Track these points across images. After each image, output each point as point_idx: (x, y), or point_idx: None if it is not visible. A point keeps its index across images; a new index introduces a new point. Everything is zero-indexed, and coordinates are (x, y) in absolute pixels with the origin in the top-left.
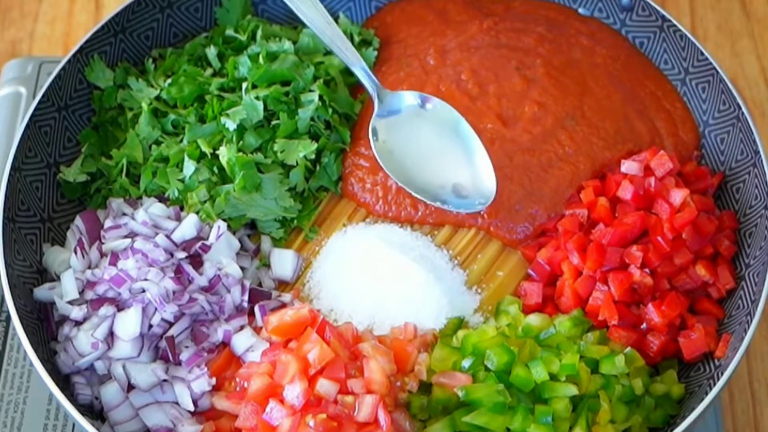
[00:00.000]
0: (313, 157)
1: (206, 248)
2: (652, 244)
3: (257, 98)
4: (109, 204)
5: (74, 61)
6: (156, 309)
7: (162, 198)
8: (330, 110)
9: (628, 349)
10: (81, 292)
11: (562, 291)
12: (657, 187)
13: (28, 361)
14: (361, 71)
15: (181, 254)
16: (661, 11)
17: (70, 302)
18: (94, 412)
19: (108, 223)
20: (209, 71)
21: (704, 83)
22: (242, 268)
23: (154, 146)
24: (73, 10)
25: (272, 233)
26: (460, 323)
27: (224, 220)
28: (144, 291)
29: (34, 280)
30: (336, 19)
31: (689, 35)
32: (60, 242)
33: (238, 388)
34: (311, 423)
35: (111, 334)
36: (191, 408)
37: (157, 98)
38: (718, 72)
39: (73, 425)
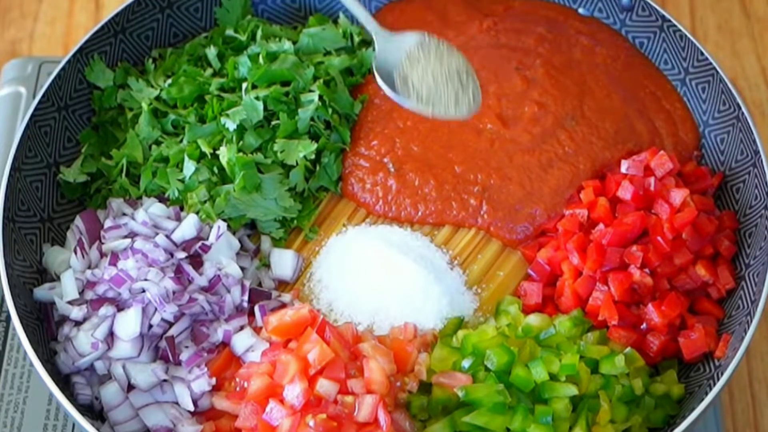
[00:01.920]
0: (313, 157)
1: (206, 248)
2: (652, 244)
3: (257, 98)
4: (109, 204)
5: (74, 61)
6: (156, 309)
7: (162, 198)
8: (330, 110)
9: (628, 349)
10: (81, 292)
11: (562, 291)
12: (657, 187)
13: (28, 361)
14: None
15: (181, 254)
16: (661, 11)
17: (70, 302)
18: (94, 412)
19: (108, 223)
20: (209, 71)
21: (704, 83)
22: (242, 268)
23: (154, 146)
24: (73, 10)
25: (272, 233)
26: (460, 323)
27: (224, 220)
28: (144, 291)
29: (34, 280)
30: (336, 20)
31: (689, 35)
32: (60, 242)
33: (238, 388)
34: (311, 423)
35: (111, 334)
36: (191, 408)
37: (157, 98)
38: (718, 72)
39: (73, 425)
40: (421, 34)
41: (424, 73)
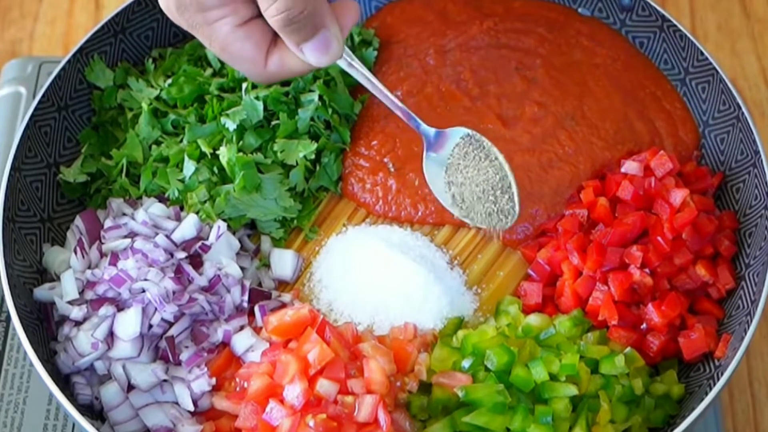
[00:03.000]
0: (313, 157)
1: (206, 248)
2: (652, 244)
3: (257, 98)
4: (109, 204)
5: (74, 61)
6: (156, 309)
7: (162, 198)
8: (330, 110)
9: (628, 349)
10: (81, 292)
11: (562, 291)
12: (657, 187)
13: (28, 361)
14: (405, 116)
15: (181, 254)
16: (661, 11)
17: (70, 302)
18: (94, 412)
19: (108, 223)
20: (209, 71)
21: (704, 83)
22: (242, 268)
23: (154, 146)
24: (73, 10)
25: (272, 233)
26: (460, 323)
27: (224, 220)
28: (144, 291)
29: (34, 280)
30: None
31: (689, 35)
32: (60, 242)
33: (238, 388)
34: (311, 423)
35: (111, 334)
36: (191, 408)
37: (157, 98)
38: (718, 72)
39: (73, 425)
40: (464, 130)
41: (464, 182)
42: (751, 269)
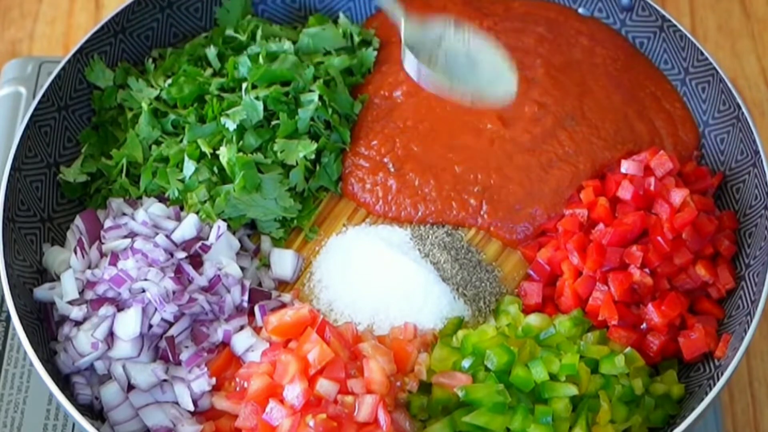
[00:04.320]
0: (313, 157)
1: (206, 248)
2: (652, 244)
3: (257, 98)
4: (109, 204)
5: (74, 61)
6: (156, 309)
7: (162, 198)
8: (330, 110)
9: (628, 349)
10: (81, 292)
11: (562, 291)
12: (657, 187)
13: (28, 361)
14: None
15: (181, 254)
16: (661, 11)
17: (70, 302)
18: (94, 412)
19: (108, 223)
20: (209, 71)
21: (704, 83)
22: (242, 268)
23: (154, 146)
24: (73, 10)
25: (272, 233)
26: (460, 323)
27: (224, 220)
28: (144, 291)
29: (34, 280)
30: (336, 20)
31: (689, 35)
32: (60, 242)
33: (238, 388)
34: (311, 423)
35: (111, 334)
36: (191, 408)
37: (157, 98)
38: (718, 72)
39: (73, 425)
40: (447, 20)
41: (452, 56)
42: (751, 269)
